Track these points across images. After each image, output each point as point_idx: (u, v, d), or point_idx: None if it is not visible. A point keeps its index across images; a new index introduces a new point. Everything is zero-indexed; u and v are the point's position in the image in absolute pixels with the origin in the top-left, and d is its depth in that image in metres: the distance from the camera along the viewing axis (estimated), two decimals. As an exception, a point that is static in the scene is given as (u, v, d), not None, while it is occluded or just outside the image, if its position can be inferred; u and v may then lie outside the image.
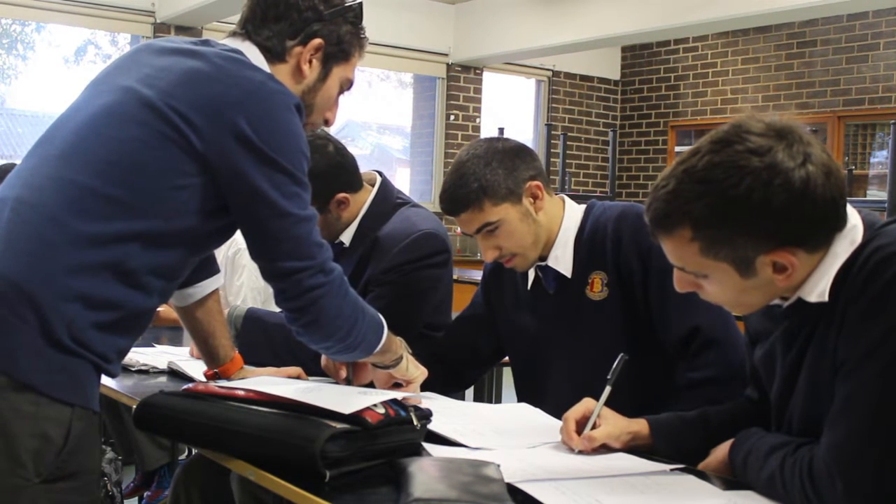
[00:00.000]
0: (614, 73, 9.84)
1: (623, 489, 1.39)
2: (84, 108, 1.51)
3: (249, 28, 1.60)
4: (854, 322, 1.22)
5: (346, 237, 2.26)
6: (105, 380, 2.06)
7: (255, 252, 1.57)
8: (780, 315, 1.36)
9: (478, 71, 8.88)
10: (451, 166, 1.92)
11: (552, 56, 8.68)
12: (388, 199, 2.27)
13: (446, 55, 8.65)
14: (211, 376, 1.91)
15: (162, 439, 3.29)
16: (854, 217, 1.30)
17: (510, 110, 9.41)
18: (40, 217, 1.40)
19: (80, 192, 1.42)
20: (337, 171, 2.19)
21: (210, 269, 1.87)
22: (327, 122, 1.71)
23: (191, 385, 1.63)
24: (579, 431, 1.57)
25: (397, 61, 8.46)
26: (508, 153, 1.90)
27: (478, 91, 8.91)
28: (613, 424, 1.54)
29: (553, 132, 8.22)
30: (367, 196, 2.25)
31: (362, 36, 1.67)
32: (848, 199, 1.33)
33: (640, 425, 1.56)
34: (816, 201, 1.22)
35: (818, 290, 1.28)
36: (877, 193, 7.72)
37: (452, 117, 8.77)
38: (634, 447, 1.56)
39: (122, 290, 1.43)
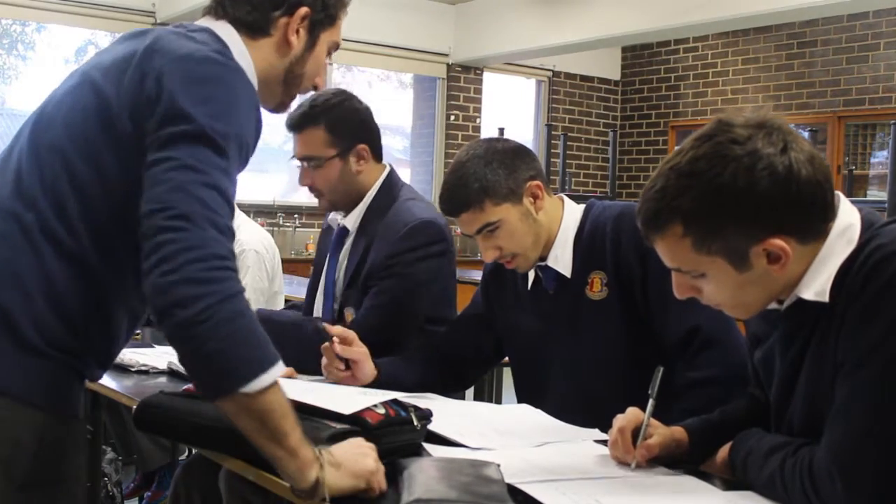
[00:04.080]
0: (614, 73, 9.84)
1: (623, 489, 1.39)
2: (51, 99, 1.45)
3: (227, 3, 1.50)
4: (853, 322, 1.22)
5: (351, 222, 2.30)
6: (105, 380, 2.07)
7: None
8: (778, 318, 1.36)
9: (478, 71, 8.88)
10: (451, 167, 1.91)
11: (552, 56, 8.68)
12: (394, 189, 2.31)
13: (446, 55, 8.65)
14: None
15: (162, 439, 3.29)
16: (852, 216, 1.30)
17: (510, 110, 9.41)
18: (1, 215, 1.35)
19: (32, 185, 1.34)
20: (364, 121, 2.27)
21: None
22: (316, 88, 1.62)
23: (191, 385, 1.63)
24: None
25: (397, 61, 8.45)
26: (508, 153, 1.90)
27: (478, 91, 8.91)
28: (663, 434, 1.53)
29: (553, 132, 8.22)
30: (379, 176, 2.30)
31: None
32: (848, 198, 1.34)
33: (680, 433, 1.55)
34: (801, 185, 1.23)
35: (814, 287, 1.28)
36: (877, 194, 7.73)
37: (452, 117, 8.76)
38: (675, 454, 1.54)
39: (87, 290, 1.35)
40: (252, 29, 1.49)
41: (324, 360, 1.97)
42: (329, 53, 1.59)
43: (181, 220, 1.22)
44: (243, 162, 1.36)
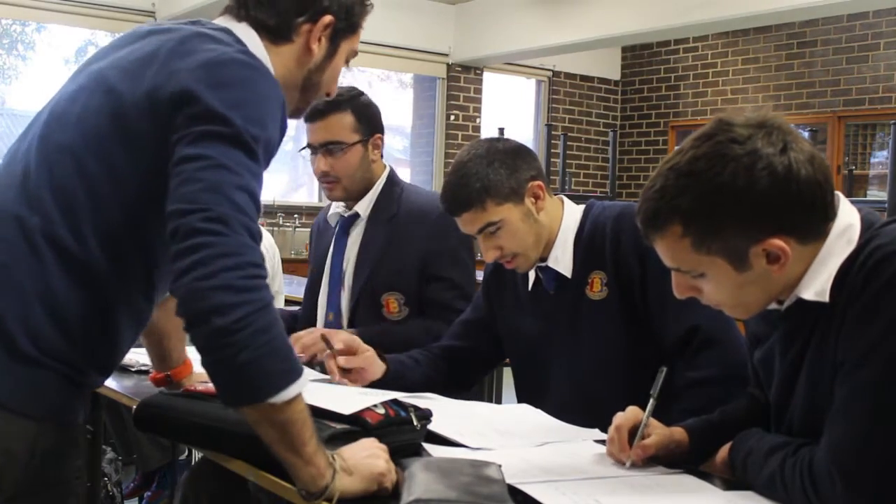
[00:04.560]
0: (614, 73, 9.84)
1: (623, 489, 1.39)
2: (60, 97, 1.43)
3: (250, 5, 1.46)
4: (853, 322, 1.22)
5: (363, 208, 2.39)
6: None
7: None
8: (778, 318, 1.36)
9: (478, 71, 8.88)
10: (452, 166, 1.92)
11: (552, 56, 8.68)
12: (398, 183, 2.44)
13: (446, 55, 8.65)
14: (161, 380, 1.83)
15: (162, 439, 3.29)
16: (852, 216, 1.30)
17: (510, 110, 9.41)
18: (4, 219, 1.32)
19: (40, 185, 1.32)
20: (379, 115, 2.40)
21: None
22: (328, 95, 1.60)
23: (191, 385, 1.63)
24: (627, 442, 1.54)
25: (397, 61, 8.45)
26: (510, 153, 1.90)
27: (478, 91, 8.91)
28: (661, 434, 1.53)
29: (553, 132, 8.22)
30: (383, 173, 2.42)
31: (368, 3, 1.55)
32: (848, 199, 1.34)
33: (679, 433, 1.55)
34: (801, 185, 1.23)
35: (815, 287, 1.28)
36: (877, 193, 7.73)
37: (452, 117, 8.76)
38: (673, 455, 1.54)
39: (90, 298, 1.33)
40: (274, 34, 1.46)
41: (328, 364, 1.96)
42: (347, 61, 1.56)
43: (218, 223, 1.21)
44: (266, 164, 1.35)
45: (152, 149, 1.30)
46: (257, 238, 1.25)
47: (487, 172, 1.85)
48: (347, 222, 2.42)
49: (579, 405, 1.87)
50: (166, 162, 1.28)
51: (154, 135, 1.31)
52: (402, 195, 2.39)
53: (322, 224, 2.56)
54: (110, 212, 1.33)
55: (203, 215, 1.21)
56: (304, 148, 2.37)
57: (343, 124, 2.31)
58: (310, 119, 2.32)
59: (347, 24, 1.51)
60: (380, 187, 2.40)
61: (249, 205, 1.25)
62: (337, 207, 2.45)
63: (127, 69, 1.37)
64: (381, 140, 2.39)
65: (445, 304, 2.31)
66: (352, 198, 2.40)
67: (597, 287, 1.92)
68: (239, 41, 1.41)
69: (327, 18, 1.47)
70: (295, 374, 1.22)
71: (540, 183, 1.91)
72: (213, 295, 1.17)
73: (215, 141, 1.26)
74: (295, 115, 1.58)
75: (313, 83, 1.52)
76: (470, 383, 2.33)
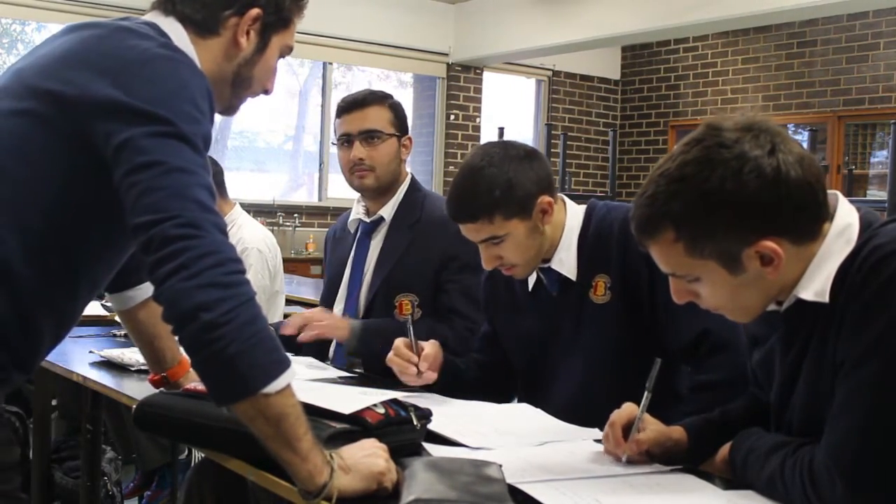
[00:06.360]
0: (614, 72, 9.84)
1: (623, 489, 1.39)
2: None
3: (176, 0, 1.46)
4: (853, 322, 1.22)
5: (388, 212, 2.44)
6: (105, 379, 2.07)
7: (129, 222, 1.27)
8: (777, 319, 1.36)
9: (478, 71, 8.88)
10: (464, 170, 1.87)
11: (552, 56, 8.67)
12: (420, 189, 2.51)
13: (446, 55, 8.64)
14: (158, 381, 1.82)
15: (162, 439, 3.30)
16: (851, 215, 1.30)
17: (510, 110, 9.40)
18: None
19: None
20: (407, 121, 2.49)
21: None
22: (266, 92, 1.58)
23: (191, 385, 1.63)
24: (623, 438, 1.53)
25: (397, 61, 8.45)
26: (525, 161, 1.86)
27: (478, 91, 8.90)
28: (657, 430, 1.53)
29: (553, 132, 8.22)
30: (406, 178, 2.48)
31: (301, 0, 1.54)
32: (848, 198, 1.34)
33: (678, 432, 1.55)
34: (790, 186, 1.23)
35: (814, 287, 1.28)
36: (877, 193, 7.72)
37: (452, 117, 8.76)
38: (671, 453, 1.53)
39: (6, 301, 1.30)
40: (201, 27, 1.46)
41: (397, 368, 1.95)
42: (282, 56, 1.56)
43: (191, 227, 1.22)
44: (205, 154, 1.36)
45: (71, 151, 1.31)
46: (225, 232, 1.28)
47: (500, 184, 1.81)
48: (370, 227, 2.47)
49: (580, 407, 1.86)
50: (88, 165, 1.29)
51: (72, 138, 1.30)
52: (424, 201, 2.45)
53: (339, 231, 2.60)
54: (32, 213, 1.32)
55: (174, 222, 1.22)
56: (339, 137, 2.43)
57: (382, 116, 2.41)
58: (348, 109, 2.40)
59: (277, 17, 1.50)
60: (403, 192, 2.46)
61: (211, 200, 1.27)
62: (357, 213, 2.50)
63: (46, 68, 1.36)
64: (410, 143, 2.48)
65: (452, 308, 2.33)
66: (381, 191, 2.44)
67: (600, 290, 1.91)
68: (163, 34, 1.41)
69: (254, 11, 1.47)
70: (284, 365, 1.24)
71: (550, 199, 1.88)
72: (199, 293, 1.19)
73: (160, 141, 1.26)
74: (227, 112, 1.57)
75: (244, 78, 1.52)
76: (507, 392, 2.24)
